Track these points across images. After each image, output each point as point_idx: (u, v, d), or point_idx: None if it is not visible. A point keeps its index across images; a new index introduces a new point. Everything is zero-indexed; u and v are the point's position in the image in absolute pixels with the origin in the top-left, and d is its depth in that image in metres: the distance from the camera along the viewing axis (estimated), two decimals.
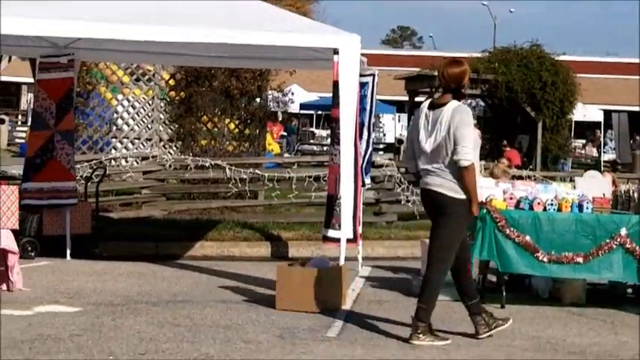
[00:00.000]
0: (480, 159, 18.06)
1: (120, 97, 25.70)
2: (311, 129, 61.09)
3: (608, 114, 50.93)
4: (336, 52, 13.33)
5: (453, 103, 10.33)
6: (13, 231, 12.73)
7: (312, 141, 54.13)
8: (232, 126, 25.46)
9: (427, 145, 10.33)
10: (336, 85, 13.34)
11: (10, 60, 20.40)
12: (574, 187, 13.26)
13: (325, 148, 41.11)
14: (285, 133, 49.70)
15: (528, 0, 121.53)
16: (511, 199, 12.80)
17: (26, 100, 49.69)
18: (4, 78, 25.01)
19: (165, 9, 14.50)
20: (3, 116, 41.32)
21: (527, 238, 12.39)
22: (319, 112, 60.68)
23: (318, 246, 15.64)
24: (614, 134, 48.91)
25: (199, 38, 14.20)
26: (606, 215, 12.63)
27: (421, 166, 10.50)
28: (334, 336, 10.62)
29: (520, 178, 16.51)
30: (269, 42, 14.28)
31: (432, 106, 10.50)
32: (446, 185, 10.24)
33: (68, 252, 15.74)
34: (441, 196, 10.26)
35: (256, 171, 21.83)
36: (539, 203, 12.67)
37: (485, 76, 32.38)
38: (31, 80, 30.33)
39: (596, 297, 13.09)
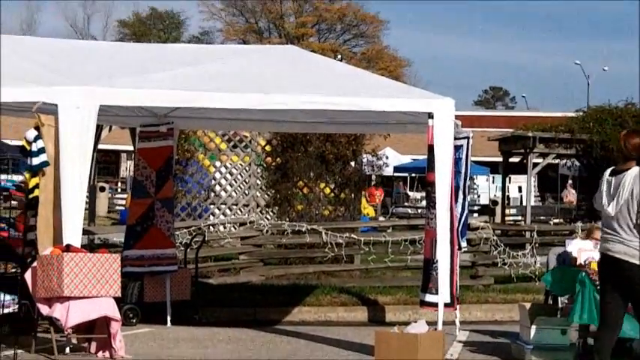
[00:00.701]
0: (576, 220, 18.05)
1: (217, 163, 25.93)
2: (405, 191, 60.99)
3: None
4: (430, 116, 13.41)
5: (636, 169, 10.37)
6: (115, 298, 12.88)
7: (406, 204, 54.08)
8: (328, 190, 25.54)
9: (610, 208, 10.43)
10: (431, 148, 13.40)
11: (110, 129, 20.61)
12: None
13: (419, 211, 41.01)
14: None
15: (622, 58, 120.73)
16: None
17: (125, 167, 50.31)
18: (104, 146, 25.32)
19: (261, 77, 14.71)
20: (103, 184, 41.85)
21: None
22: (413, 175, 60.58)
23: (415, 310, 15.61)
24: None
25: (297, 105, 14.32)
26: None
27: (603, 231, 10.63)
28: None
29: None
30: (366, 107, 14.39)
31: (614, 173, 10.59)
32: (629, 253, 10.25)
33: (169, 318, 15.84)
34: (624, 264, 10.28)
35: (352, 235, 21.82)
36: None
37: (579, 135, 32.19)
38: (130, 148, 30.76)
39: None
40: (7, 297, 13.01)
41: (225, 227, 23.79)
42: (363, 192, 30.71)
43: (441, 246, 13.17)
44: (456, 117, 13.81)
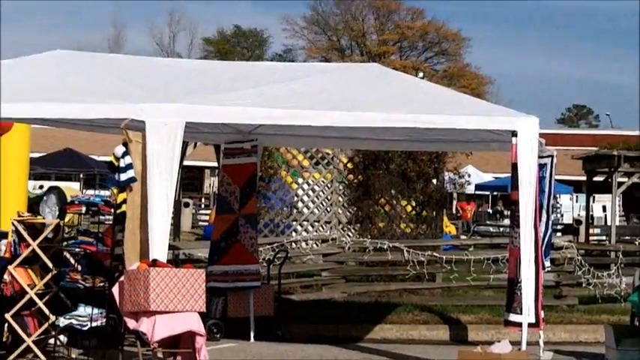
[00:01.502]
0: None
1: (300, 180, 26.07)
2: (487, 210, 60.85)
3: None
4: (514, 134, 13.38)
5: None
6: (200, 313, 13.00)
7: (488, 222, 53.90)
8: (409, 208, 25.58)
9: None
10: (515, 167, 13.36)
11: (195, 146, 20.83)
12: None
13: (501, 229, 40.85)
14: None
15: None
16: None
17: (209, 183, 50.65)
18: (188, 163, 25.47)
19: (344, 95, 14.78)
20: (187, 200, 42.21)
21: None
22: (495, 193, 60.40)
23: (497, 330, 15.57)
24: None
25: (380, 123, 14.37)
26: None
27: None
28: None
29: None
30: (449, 125, 14.40)
31: None
32: None
33: (252, 334, 15.95)
34: None
35: (434, 253, 21.85)
36: None
37: None
38: (214, 164, 30.94)
39: None
40: (95, 311, 13.16)
41: (307, 244, 23.92)
42: (444, 210, 30.73)
43: (525, 265, 13.14)
44: (540, 135, 13.78)
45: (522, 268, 13.17)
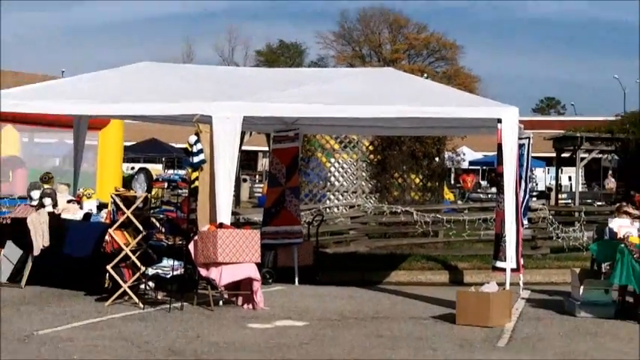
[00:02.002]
0: (615, 203, 17.90)
1: (332, 160, 26.02)
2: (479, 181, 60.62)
3: None
4: (499, 121, 13.36)
5: None
6: (256, 263, 13.10)
7: (479, 190, 53.65)
8: (417, 180, 25.56)
9: None
10: (500, 147, 13.35)
11: (250, 134, 20.85)
12: None
13: (490, 196, 40.68)
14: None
15: None
16: None
17: (261, 164, 50.68)
18: (245, 147, 25.62)
19: (366, 92, 14.82)
20: (245, 176, 42.30)
21: None
22: (484, 168, 60.17)
23: (487, 274, 15.48)
24: None
25: (394, 114, 14.42)
26: None
27: None
28: (503, 346, 10.58)
29: None
30: (448, 115, 14.47)
31: None
32: None
33: (296, 279, 16.02)
34: None
35: (437, 215, 21.83)
36: None
37: (618, 135, 31.92)
38: (265, 149, 30.98)
39: None
40: (176, 262, 13.27)
41: (338, 209, 23.94)
42: (444, 181, 30.69)
43: (508, 223, 13.16)
44: (519, 121, 13.76)
45: (506, 226, 13.17)
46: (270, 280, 15.39)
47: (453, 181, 48.91)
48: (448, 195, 33.92)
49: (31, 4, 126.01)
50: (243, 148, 14.45)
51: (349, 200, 25.10)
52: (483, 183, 58.16)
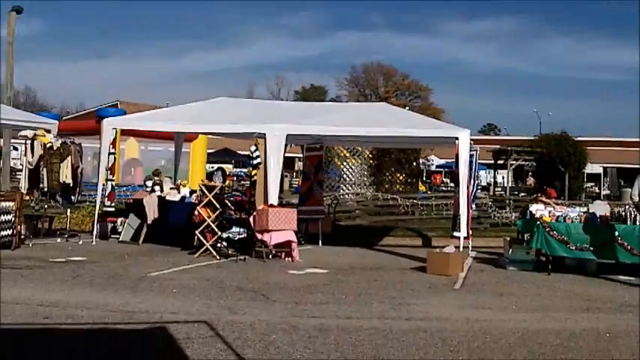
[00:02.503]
0: (533, 194, 17.88)
1: (344, 163, 26.08)
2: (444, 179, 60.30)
3: (605, 169, 49.03)
4: (457, 138, 13.35)
5: None
6: (294, 231, 13.10)
7: (442, 185, 53.39)
8: (401, 177, 25.60)
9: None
10: (457, 156, 13.32)
11: (290, 145, 20.81)
12: (588, 209, 12.89)
13: (449, 188, 40.55)
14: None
15: (565, 105, 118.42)
16: (553, 215, 12.58)
17: (297, 165, 50.70)
18: (288, 154, 25.46)
19: (368, 119, 14.81)
20: (286, 173, 42.35)
21: (563, 236, 12.07)
22: (446, 170, 59.77)
23: (447, 240, 15.44)
24: (608, 180, 47.40)
25: (387, 133, 14.46)
26: (608, 224, 12.16)
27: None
28: (458, 288, 10.56)
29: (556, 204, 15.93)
30: (423, 134, 14.48)
31: None
32: None
33: (320, 242, 15.95)
34: None
35: (414, 200, 21.85)
36: (569, 218, 12.43)
37: (535, 149, 31.93)
38: (300, 155, 30.91)
39: (604, 270, 12.37)
40: (241, 229, 13.33)
41: (348, 196, 24.00)
42: (419, 178, 30.70)
43: (462, 206, 13.15)
44: (470, 139, 13.74)
45: (460, 208, 13.17)
46: (303, 242, 15.44)
47: (424, 178, 48.69)
48: (422, 187, 33.88)
49: (148, 54, 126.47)
50: (287, 155, 14.49)
51: (355, 190, 25.16)
52: (446, 180, 57.90)
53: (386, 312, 8.47)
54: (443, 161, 56.36)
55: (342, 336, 7.11)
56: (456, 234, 13.40)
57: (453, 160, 13.85)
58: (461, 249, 12.78)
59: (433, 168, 51.38)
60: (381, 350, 6.64)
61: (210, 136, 22.53)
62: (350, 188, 25.81)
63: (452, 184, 36.87)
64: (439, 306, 8.98)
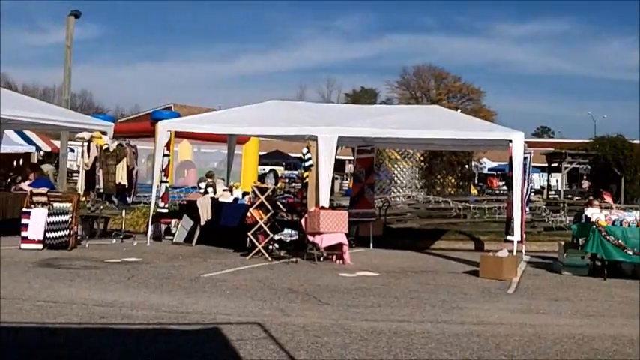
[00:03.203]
0: (588, 198, 17.54)
1: (395, 166, 25.98)
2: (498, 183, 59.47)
3: None
4: (510, 141, 13.19)
5: None
6: (345, 233, 13.06)
7: (496, 189, 52.78)
8: (453, 180, 25.38)
9: None
10: (510, 159, 13.17)
11: (341, 148, 20.83)
12: None
13: (501, 192, 40.03)
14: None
15: (621, 107, 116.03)
16: (609, 219, 12.32)
17: (347, 168, 50.70)
18: (338, 157, 25.48)
19: (420, 122, 14.70)
20: (337, 176, 42.38)
21: (619, 241, 11.82)
22: (498, 173, 58.96)
23: (500, 244, 15.22)
24: None
25: (438, 135, 14.34)
26: None
27: None
28: (512, 292, 10.43)
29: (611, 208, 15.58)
30: (476, 137, 14.35)
31: None
32: None
33: (371, 244, 15.89)
34: None
35: (466, 204, 21.64)
36: (625, 222, 12.15)
37: (590, 152, 31.39)
38: (350, 158, 30.92)
39: None
40: (293, 231, 13.36)
41: (399, 199, 23.90)
42: (471, 181, 30.42)
43: (515, 210, 12.96)
44: (525, 142, 13.54)
45: (514, 211, 12.99)
46: (354, 245, 15.43)
47: (476, 181, 48.20)
48: (473, 190, 33.60)
49: (201, 57, 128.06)
50: (337, 157, 14.44)
51: (407, 193, 25.05)
52: (500, 184, 57.10)
53: (438, 315, 8.39)
54: (495, 164, 55.72)
55: (395, 339, 7.07)
56: (509, 238, 13.19)
57: (506, 163, 13.67)
58: (514, 253, 12.57)
59: (485, 171, 50.76)
60: (434, 354, 6.58)
61: (261, 139, 22.67)
62: (401, 191, 25.71)
63: (504, 188, 36.47)
64: (492, 310, 8.87)
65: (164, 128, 15.05)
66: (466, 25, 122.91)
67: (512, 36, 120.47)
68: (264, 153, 44.57)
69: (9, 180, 16.06)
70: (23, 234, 12.98)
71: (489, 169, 54.52)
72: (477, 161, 30.96)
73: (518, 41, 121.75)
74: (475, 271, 12.08)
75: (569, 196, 33.68)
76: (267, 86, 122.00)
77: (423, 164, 25.73)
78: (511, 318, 8.41)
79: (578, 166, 35.19)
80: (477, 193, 37.18)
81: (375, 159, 17.82)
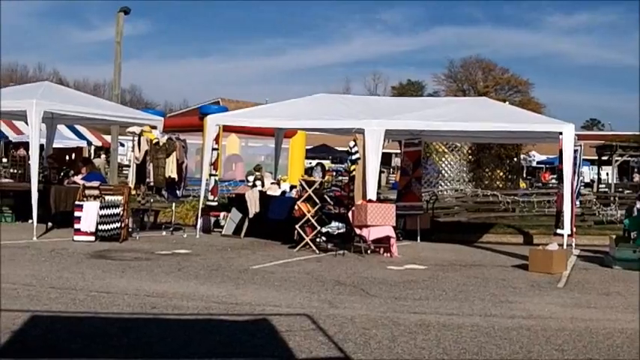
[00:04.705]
0: (637, 191, 17.21)
1: (443, 159, 25.74)
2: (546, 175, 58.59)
3: None
4: (560, 133, 12.97)
5: None
6: (393, 226, 13.04)
7: (547, 182, 51.99)
8: (501, 174, 25.03)
9: None
10: (560, 151, 12.96)
11: (388, 141, 20.74)
12: None
13: (550, 185, 39.40)
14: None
15: None
16: None
17: (394, 162, 50.55)
18: (384, 150, 25.26)
19: (467, 114, 14.53)
20: (383, 169, 42.24)
21: None
22: (547, 166, 58.06)
23: (549, 238, 15.04)
24: None
25: (487, 128, 14.20)
26: None
27: None
28: (562, 287, 10.28)
29: None
30: (526, 129, 14.17)
31: None
32: None
33: (418, 238, 15.80)
34: None
35: (514, 197, 21.37)
36: None
37: None
38: (397, 151, 30.79)
39: None
40: (340, 224, 13.36)
41: (447, 192, 23.70)
42: (520, 175, 30.01)
43: (566, 203, 12.75)
44: (575, 134, 13.32)
45: (564, 204, 12.78)
46: (401, 238, 15.39)
47: (525, 175, 47.57)
48: (522, 184, 33.19)
49: (247, 52, 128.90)
50: (383, 150, 14.34)
51: (454, 186, 24.82)
52: (550, 177, 56.22)
53: (487, 309, 8.31)
54: (544, 157, 54.94)
55: (444, 332, 7.03)
56: (559, 231, 13.00)
57: (554, 155, 13.46)
58: (564, 247, 12.39)
59: (533, 164, 50.08)
60: (483, 348, 6.52)
61: (308, 133, 22.71)
62: (448, 184, 25.47)
63: (554, 181, 35.91)
64: (542, 304, 8.74)
65: (213, 122, 15.19)
66: (515, 17, 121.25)
67: (562, 27, 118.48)
68: (310, 147, 44.69)
69: (62, 174, 16.38)
70: (76, 226, 13.26)
71: (538, 162, 53.74)
72: (525, 154, 30.41)
73: (568, 32, 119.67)
74: (524, 265, 11.93)
75: (620, 190, 33.01)
76: (313, 80, 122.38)
77: (470, 157, 25.42)
78: (561, 312, 8.28)
79: (629, 159, 34.47)
80: (525, 186, 36.74)
81: (422, 152, 17.71)
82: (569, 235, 12.80)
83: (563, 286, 10.33)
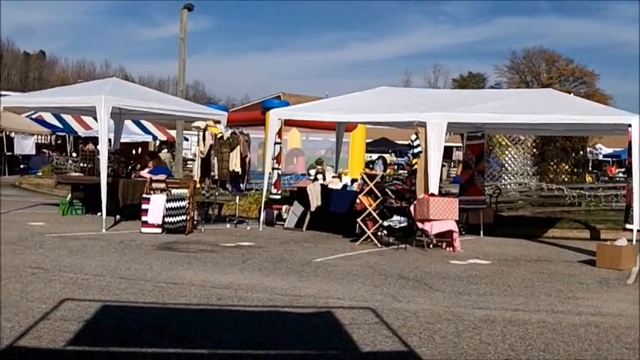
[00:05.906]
0: None
1: (506, 152, 25.39)
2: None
3: None
4: (629, 125, 12.59)
5: None
6: (455, 220, 12.89)
7: (610, 175, 50.63)
8: (567, 167, 24.56)
9: None
10: (630, 144, 12.56)
11: (450, 134, 20.55)
12: None
13: (617, 178, 38.35)
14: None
15: None
16: None
17: (455, 155, 49.96)
18: (446, 144, 25.13)
19: (531, 105, 14.22)
20: (444, 163, 41.83)
21: None
22: (613, 159, 56.54)
23: (617, 233, 14.63)
24: None
25: (552, 120, 13.89)
26: None
27: None
28: (631, 283, 10.01)
29: None
30: (593, 121, 13.79)
31: None
32: None
33: (481, 232, 15.65)
34: None
35: (580, 191, 20.90)
36: None
37: None
38: (458, 144, 30.48)
39: None
40: (402, 218, 13.31)
41: (510, 186, 23.35)
42: (586, 168, 29.34)
43: (636, 196, 12.36)
44: None
45: (634, 199, 12.39)
46: (464, 232, 15.23)
47: (591, 168, 46.47)
48: (588, 178, 32.43)
49: (308, 47, 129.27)
50: (445, 144, 14.19)
51: (518, 180, 24.45)
52: (617, 171, 54.76)
53: (554, 305, 8.16)
54: (610, 150, 53.48)
55: (509, 328, 6.93)
56: (628, 226, 12.58)
57: (621, 148, 13.10)
58: (634, 242, 12.02)
59: (600, 157, 48.82)
60: (550, 344, 6.40)
61: (368, 126, 22.67)
62: (512, 178, 25.10)
63: (620, 175, 34.98)
64: (611, 301, 8.54)
65: (275, 116, 15.30)
66: (579, 6, 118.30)
67: (630, 15, 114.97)
68: (370, 140, 44.63)
69: (129, 167, 16.76)
70: (143, 218, 13.55)
71: (604, 156, 52.39)
72: (591, 147, 29.68)
73: (636, 20, 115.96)
74: (591, 261, 11.68)
75: None
76: (373, 73, 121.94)
77: (534, 150, 25.02)
78: (631, 309, 8.07)
79: None
80: (591, 180, 35.89)
81: (485, 145, 17.46)
82: (638, 230, 12.41)
83: (632, 282, 10.08)
